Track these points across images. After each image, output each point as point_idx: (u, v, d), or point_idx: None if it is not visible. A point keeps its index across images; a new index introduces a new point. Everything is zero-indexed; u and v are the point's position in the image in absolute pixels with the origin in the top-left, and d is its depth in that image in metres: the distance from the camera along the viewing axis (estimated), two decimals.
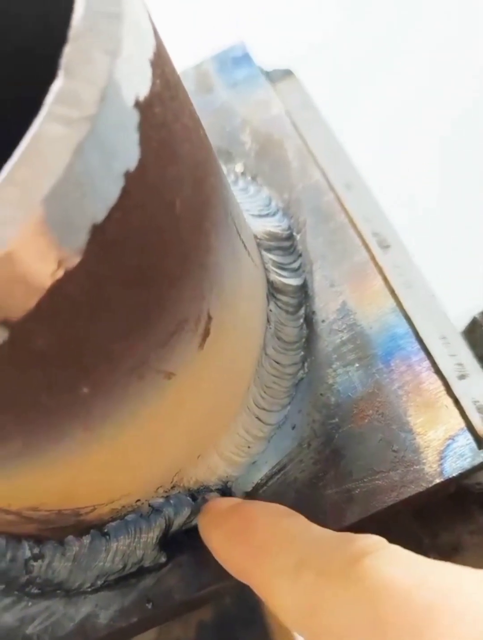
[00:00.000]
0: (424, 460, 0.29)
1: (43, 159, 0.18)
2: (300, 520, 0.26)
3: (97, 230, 0.19)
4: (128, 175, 0.19)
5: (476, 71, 1.01)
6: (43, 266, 0.18)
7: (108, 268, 0.20)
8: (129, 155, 0.19)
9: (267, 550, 0.25)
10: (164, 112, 0.21)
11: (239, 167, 0.37)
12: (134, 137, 0.20)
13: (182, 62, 0.34)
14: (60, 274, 0.18)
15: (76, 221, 0.18)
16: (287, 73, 0.41)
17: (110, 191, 0.19)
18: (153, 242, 0.21)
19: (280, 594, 0.24)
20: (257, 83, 0.39)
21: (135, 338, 0.22)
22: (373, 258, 0.34)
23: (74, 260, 0.19)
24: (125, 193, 0.19)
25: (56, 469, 0.24)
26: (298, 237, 0.34)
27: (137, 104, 0.20)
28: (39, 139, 0.18)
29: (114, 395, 0.23)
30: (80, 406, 0.22)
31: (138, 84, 0.20)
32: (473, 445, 0.29)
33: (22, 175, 0.17)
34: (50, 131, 0.18)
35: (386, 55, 1.03)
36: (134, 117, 0.20)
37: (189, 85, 0.25)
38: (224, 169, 0.37)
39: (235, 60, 0.40)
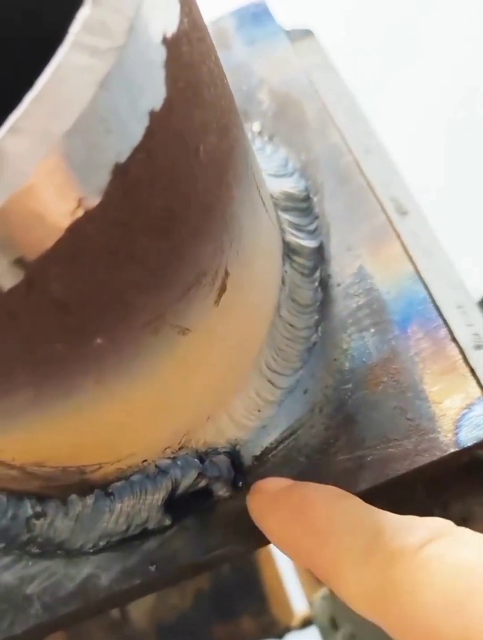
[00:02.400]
0: (439, 429, 0.28)
1: (66, 91, 0.17)
2: (360, 502, 0.26)
3: (120, 171, 0.18)
4: (153, 115, 0.19)
5: None
6: (62, 204, 0.17)
7: (129, 212, 0.19)
8: (155, 93, 0.19)
9: (331, 533, 0.24)
10: (191, 53, 0.20)
11: (255, 127, 0.36)
12: (160, 75, 0.19)
13: None
14: (79, 213, 0.18)
15: (98, 159, 0.18)
16: (307, 33, 0.40)
17: (134, 130, 0.18)
18: (176, 189, 0.20)
19: (348, 577, 0.23)
20: (277, 41, 0.38)
21: (152, 289, 0.21)
22: (391, 223, 0.33)
23: (95, 201, 0.18)
24: (149, 133, 0.18)
25: (64, 424, 0.23)
26: (315, 199, 0.33)
27: (165, 40, 0.19)
28: (63, 69, 0.17)
29: (128, 348, 0.22)
30: (93, 358, 0.21)
31: (166, 19, 0.19)
32: None
33: (43, 107, 0.17)
34: (75, 61, 0.17)
35: (409, 28, 1.02)
36: (161, 54, 0.19)
37: None
38: None
39: (255, 17, 0.39)
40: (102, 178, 0.18)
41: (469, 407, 0.28)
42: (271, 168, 0.34)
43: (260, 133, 0.36)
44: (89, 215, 0.18)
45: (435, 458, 0.28)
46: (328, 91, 0.37)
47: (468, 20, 1.02)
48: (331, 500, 0.26)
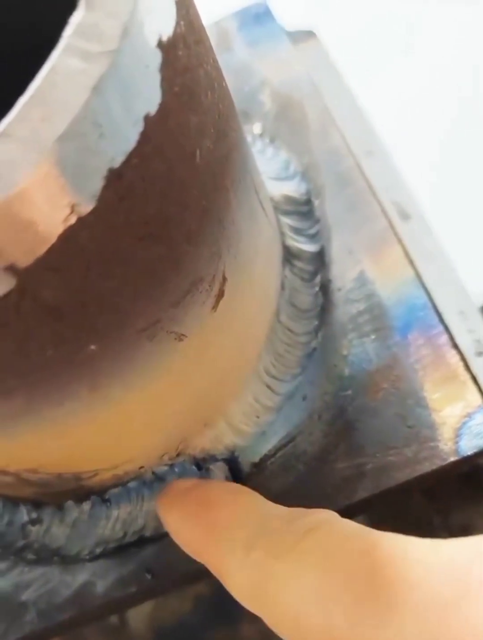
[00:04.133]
0: (439, 437, 0.28)
1: (59, 95, 0.16)
2: (255, 498, 0.26)
3: (113, 176, 0.18)
4: (148, 119, 0.18)
5: None
6: (54, 211, 0.17)
7: (124, 218, 0.19)
8: (150, 97, 0.18)
9: (220, 528, 0.24)
10: (188, 56, 0.20)
11: (256, 128, 0.36)
12: (155, 79, 0.18)
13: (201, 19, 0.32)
14: (72, 220, 0.17)
15: (91, 165, 0.17)
16: (310, 34, 0.40)
17: (128, 135, 0.18)
18: (171, 194, 0.20)
19: (232, 572, 0.23)
20: (279, 42, 0.38)
21: (148, 295, 0.21)
22: (392, 227, 0.32)
23: (88, 207, 0.17)
24: (144, 138, 0.18)
25: (58, 430, 0.23)
26: (316, 202, 0.33)
27: (160, 44, 0.18)
28: (55, 74, 0.16)
29: (123, 355, 0.22)
30: (87, 365, 0.21)
31: (162, 22, 0.19)
32: None
33: (35, 111, 0.16)
34: (67, 65, 0.16)
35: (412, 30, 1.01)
36: (157, 58, 0.18)
37: None
38: None
39: (257, 18, 0.38)
40: (96, 184, 0.17)
41: (470, 415, 0.28)
42: (272, 171, 0.34)
43: (261, 135, 0.36)
44: (82, 222, 0.17)
45: (435, 466, 0.28)
46: (330, 93, 0.37)
47: (471, 20, 1.01)
48: (229, 496, 0.26)
